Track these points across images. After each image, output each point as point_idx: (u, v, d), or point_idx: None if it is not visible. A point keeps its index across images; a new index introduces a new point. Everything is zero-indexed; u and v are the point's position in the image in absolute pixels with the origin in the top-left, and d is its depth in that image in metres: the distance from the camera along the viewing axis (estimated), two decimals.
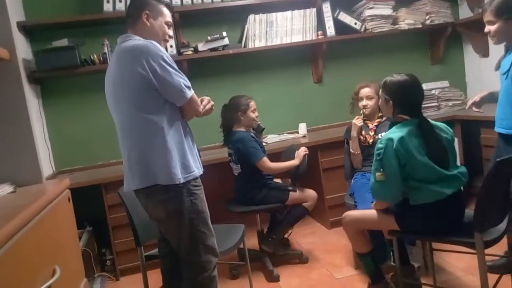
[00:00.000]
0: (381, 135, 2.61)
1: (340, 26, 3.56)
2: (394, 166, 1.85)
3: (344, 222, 2.17)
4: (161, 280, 2.05)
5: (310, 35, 3.50)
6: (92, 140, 3.33)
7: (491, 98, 2.34)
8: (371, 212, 2.06)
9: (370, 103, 2.70)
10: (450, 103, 3.67)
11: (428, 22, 3.69)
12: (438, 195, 1.85)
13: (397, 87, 1.98)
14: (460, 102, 3.68)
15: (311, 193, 2.79)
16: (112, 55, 1.80)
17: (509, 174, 1.84)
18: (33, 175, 1.76)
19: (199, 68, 3.44)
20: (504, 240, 2.18)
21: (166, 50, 1.78)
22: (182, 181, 1.71)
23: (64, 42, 2.98)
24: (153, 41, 1.71)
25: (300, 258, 2.84)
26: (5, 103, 1.71)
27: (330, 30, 3.55)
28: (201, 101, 1.86)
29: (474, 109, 2.40)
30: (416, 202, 1.90)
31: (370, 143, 2.64)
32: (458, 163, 2.20)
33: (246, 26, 3.37)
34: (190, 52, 3.27)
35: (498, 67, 2.28)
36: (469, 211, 1.92)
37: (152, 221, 1.88)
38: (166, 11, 1.86)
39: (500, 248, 2.26)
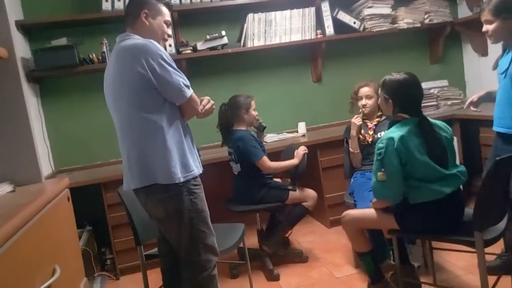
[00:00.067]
0: (380, 134, 2.62)
1: (339, 25, 3.55)
2: (395, 165, 1.85)
3: (343, 221, 2.17)
4: (161, 280, 2.05)
5: (309, 34, 3.50)
6: (91, 139, 3.33)
7: (488, 97, 2.34)
8: (371, 211, 2.06)
9: (370, 102, 2.70)
10: (449, 102, 3.67)
11: (427, 21, 3.69)
12: (438, 194, 1.85)
13: (396, 86, 1.98)
14: (459, 101, 3.68)
15: (311, 192, 2.78)
16: (111, 54, 1.79)
17: (508, 173, 1.84)
18: (32, 174, 1.76)
19: (198, 67, 3.44)
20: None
21: (165, 49, 1.78)
22: (181, 180, 1.71)
23: (63, 41, 2.98)
24: (152, 40, 1.71)
25: (300, 257, 2.84)
26: (3, 102, 1.71)
27: (329, 29, 3.55)
28: (201, 101, 1.86)
29: (471, 108, 2.40)
30: (415, 201, 1.90)
31: (370, 142, 2.65)
32: (458, 162, 2.20)
33: (245, 25, 3.36)
34: (189, 51, 3.26)
35: (495, 66, 2.28)
36: (469, 210, 1.92)
37: (151, 220, 1.88)
38: (165, 10, 1.86)
39: (500, 247, 2.27)
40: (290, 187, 2.75)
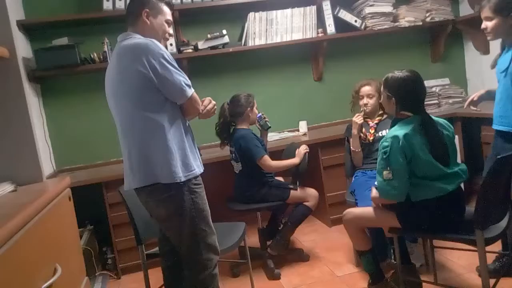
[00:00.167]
0: (381, 133, 2.61)
1: (340, 24, 3.55)
2: (401, 163, 1.84)
3: (344, 219, 2.16)
4: (162, 279, 2.05)
5: (310, 33, 3.49)
6: (92, 139, 3.33)
7: (488, 96, 2.34)
8: (372, 210, 2.06)
9: (371, 101, 2.70)
10: (450, 101, 3.66)
11: (428, 19, 3.68)
12: (440, 191, 1.85)
13: (399, 84, 1.96)
14: (460, 99, 3.67)
15: (312, 192, 2.78)
16: (112, 54, 1.79)
17: (510, 171, 1.84)
18: (33, 174, 1.76)
19: (199, 66, 3.44)
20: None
21: (166, 48, 1.77)
22: (183, 179, 1.71)
23: (64, 40, 2.98)
24: (153, 39, 1.71)
25: (301, 256, 2.85)
26: (5, 101, 1.71)
27: (330, 28, 3.54)
28: (202, 102, 1.86)
29: (471, 107, 2.40)
30: (417, 198, 1.89)
31: (371, 141, 2.65)
32: (459, 160, 2.20)
33: (246, 24, 3.36)
34: (190, 50, 3.26)
35: (494, 65, 2.27)
36: (470, 208, 1.91)
37: (152, 219, 1.88)
38: (166, 9, 1.86)
39: (500, 247, 2.27)
40: (291, 186, 2.74)
